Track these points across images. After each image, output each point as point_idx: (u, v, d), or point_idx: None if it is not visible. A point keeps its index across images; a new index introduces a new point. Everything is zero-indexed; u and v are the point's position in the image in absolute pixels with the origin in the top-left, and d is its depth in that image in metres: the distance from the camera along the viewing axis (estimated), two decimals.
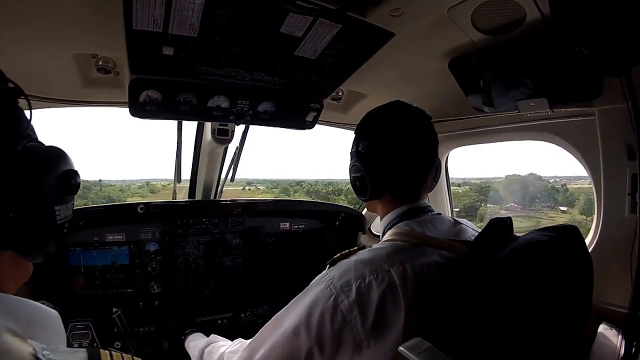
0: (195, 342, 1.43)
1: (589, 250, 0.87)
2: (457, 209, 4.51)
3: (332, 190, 6.27)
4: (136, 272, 1.84)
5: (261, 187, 6.47)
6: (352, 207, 2.49)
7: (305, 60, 1.20)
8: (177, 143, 1.91)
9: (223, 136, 1.70)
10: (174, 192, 2.10)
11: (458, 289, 0.79)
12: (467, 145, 2.05)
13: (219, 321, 1.93)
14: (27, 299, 0.55)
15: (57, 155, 0.57)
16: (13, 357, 0.42)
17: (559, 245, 0.77)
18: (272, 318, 0.96)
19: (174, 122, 1.83)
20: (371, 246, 0.93)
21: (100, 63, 1.25)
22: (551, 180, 4.94)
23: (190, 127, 1.91)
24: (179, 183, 2.09)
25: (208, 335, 1.56)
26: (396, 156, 0.96)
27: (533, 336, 0.71)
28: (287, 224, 2.25)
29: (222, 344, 1.26)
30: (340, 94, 1.71)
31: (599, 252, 1.36)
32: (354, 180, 1.03)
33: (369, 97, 1.69)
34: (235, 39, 1.07)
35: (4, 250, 0.54)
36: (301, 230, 2.29)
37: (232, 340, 1.88)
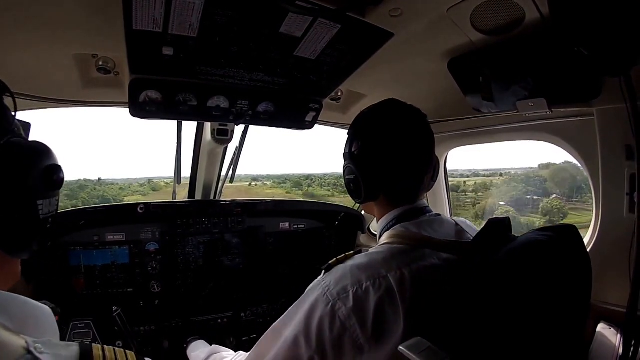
0: (196, 353, 1.42)
1: (588, 250, 0.87)
2: (503, 202, 4.11)
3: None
4: (136, 272, 1.84)
5: (268, 183, 6.36)
6: (351, 206, 2.50)
7: (305, 60, 1.20)
8: (177, 143, 1.92)
9: (223, 136, 1.71)
10: (174, 192, 2.11)
11: (457, 289, 0.79)
12: (466, 145, 2.05)
13: (219, 320, 1.94)
14: (19, 296, 0.55)
15: (40, 151, 0.57)
16: (5, 351, 0.42)
17: (558, 245, 0.77)
18: (270, 329, 0.94)
19: (174, 122, 1.84)
20: (367, 250, 0.91)
21: (100, 63, 1.25)
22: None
23: (190, 127, 1.91)
24: (178, 184, 2.09)
25: (209, 341, 1.57)
26: (390, 156, 0.94)
27: (532, 336, 0.71)
28: (287, 224, 2.26)
29: (225, 355, 1.25)
30: (339, 94, 1.72)
31: (598, 252, 1.37)
32: (347, 183, 1.01)
33: (369, 97, 1.69)
34: (234, 39, 1.07)
35: None
36: (301, 230, 2.30)
37: (231, 340, 1.91)
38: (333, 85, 1.45)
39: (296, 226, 2.29)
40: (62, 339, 1.45)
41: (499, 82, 1.30)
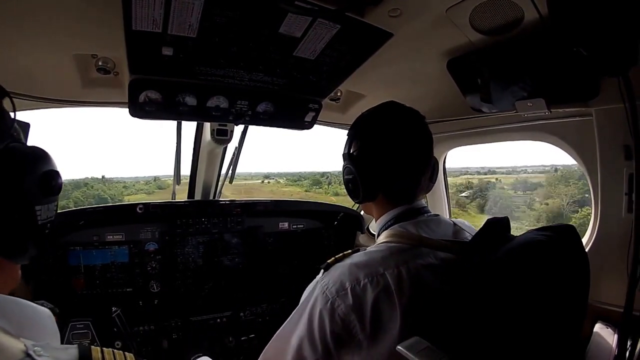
0: None
1: (586, 250, 0.87)
2: (574, 200, 3.53)
3: None
4: (136, 272, 1.84)
5: (281, 180, 6.27)
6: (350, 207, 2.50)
7: (304, 60, 1.20)
8: (177, 143, 1.92)
9: (222, 136, 1.71)
10: (173, 192, 2.11)
11: (456, 289, 0.79)
12: (465, 145, 2.05)
13: (218, 320, 1.94)
14: (18, 299, 0.55)
15: (38, 156, 0.57)
16: (5, 354, 0.43)
17: (556, 244, 0.77)
18: (274, 336, 0.94)
19: (174, 122, 1.83)
20: (365, 249, 0.92)
21: (100, 63, 1.25)
22: None
23: (190, 127, 1.91)
24: (178, 184, 2.09)
25: (209, 341, 1.56)
26: (387, 156, 0.95)
27: (530, 335, 0.72)
28: (286, 224, 2.26)
29: None
30: (339, 94, 1.72)
31: (596, 252, 1.37)
32: (346, 183, 1.02)
33: (368, 98, 1.69)
34: (234, 40, 1.07)
35: None
36: (300, 230, 2.30)
37: (230, 340, 1.91)
38: (332, 86, 1.45)
39: (295, 226, 2.29)
40: (61, 339, 1.45)
41: (498, 82, 1.30)
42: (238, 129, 1.86)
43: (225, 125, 1.70)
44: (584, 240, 1.45)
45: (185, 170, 2.07)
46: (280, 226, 2.24)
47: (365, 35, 1.10)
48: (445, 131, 1.93)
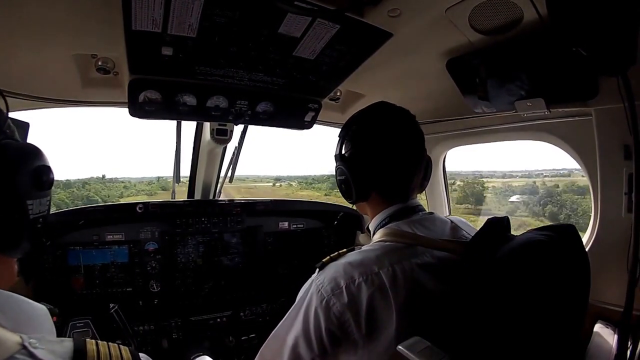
0: None
1: (586, 249, 0.87)
2: None
3: None
4: (135, 271, 1.85)
5: (293, 183, 6.18)
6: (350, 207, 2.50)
7: (304, 60, 1.20)
8: (176, 143, 1.92)
9: (222, 136, 1.71)
10: (173, 191, 2.11)
11: (455, 288, 0.79)
12: (464, 145, 2.05)
13: (218, 320, 1.94)
14: (15, 294, 0.55)
15: (30, 152, 0.58)
16: (1, 346, 0.43)
17: (557, 244, 0.77)
18: (270, 335, 0.95)
19: (174, 122, 1.84)
20: (361, 248, 0.93)
21: (100, 63, 1.25)
22: None
23: (189, 127, 1.92)
24: (178, 183, 2.09)
25: (209, 341, 1.55)
26: (378, 156, 0.95)
27: (531, 335, 0.72)
28: (286, 224, 2.26)
29: None
30: (338, 94, 1.72)
31: (596, 251, 1.37)
32: (339, 183, 1.03)
33: (367, 97, 1.69)
34: (234, 40, 1.07)
35: None
36: (300, 230, 2.30)
37: (230, 340, 1.91)
38: (332, 86, 1.45)
39: (295, 226, 2.29)
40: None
41: (498, 82, 1.30)
42: (238, 129, 1.87)
43: (225, 125, 1.70)
44: (584, 239, 1.45)
45: (185, 170, 2.07)
46: (280, 226, 2.24)
47: (365, 35, 1.10)
48: (445, 131, 1.93)
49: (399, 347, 0.70)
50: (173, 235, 1.92)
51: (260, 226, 2.15)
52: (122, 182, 5.56)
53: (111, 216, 1.84)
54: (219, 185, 2.15)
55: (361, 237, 2.50)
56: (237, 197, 2.20)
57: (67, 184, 4.95)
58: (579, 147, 1.46)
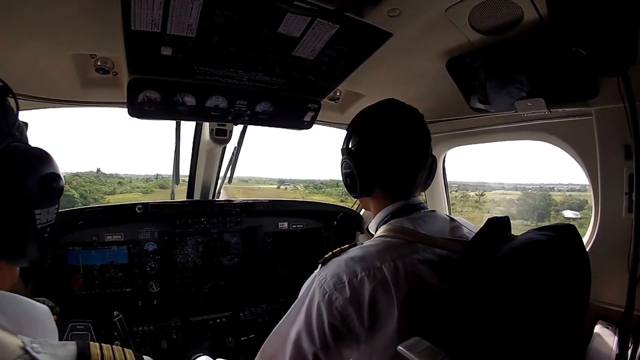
0: None
1: (587, 249, 0.87)
2: None
3: None
4: (135, 272, 1.84)
5: (299, 187, 6.04)
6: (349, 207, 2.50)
7: (303, 60, 1.20)
8: (176, 143, 1.91)
9: (221, 136, 1.71)
10: (172, 192, 2.11)
11: (456, 288, 0.79)
12: (464, 145, 2.05)
13: (218, 320, 1.94)
14: (17, 295, 0.54)
15: (40, 157, 0.56)
16: (2, 351, 0.42)
17: (557, 244, 0.77)
18: (273, 331, 0.95)
19: (173, 122, 1.83)
20: (362, 243, 0.93)
21: (99, 63, 1.25)
22: None
23: (189, 127, 1.91)
24: (177, 184, 2.09)
25: (209, 341, 1.55)
26: (385, 151, 0.96)
27: (531, 335, 0.72)
28: (286, 224, 2.26)
29: None
30: (338, 94, 1.72)
31: (596, 252, 1.37)
32: (345, 177, 1.04)
33: (367, 97, 1.69)
34: (233, 39, 1.07)
35: None
36: (299, 230, 2.30)
37: (230, 340, 1.90)
38: (332, 85, 1.45)
39: (295, 226, 2.29)
40: (60, 338, 1.45)
41: (498, 82, 1.30)
42: (237, 129, 1.86)
43: (224, 125, 1.70)
44: (585, 239, 1.45)
45: (185, 170, 2.07)
46: (279, 226, 2.24)
47: (365, 35, 1.10)
48: (445, 131, 1.93)
49: (399, 347, 0.70)
50: (172, 236, 1.92)
51: (260, 226, 2.14)
52: (118, 177, 5.26)
53: (110, 216, 1.83)
54: (218, 185, 2.14)
55: (361, 238, 2.50)
56: (240, 198, 2.19)
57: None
58: (579, 147, 1.46)
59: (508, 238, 0.82)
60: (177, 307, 1.89)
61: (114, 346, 0.53)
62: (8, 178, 0.51)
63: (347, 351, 0.83)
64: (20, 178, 0.52)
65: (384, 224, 0.98)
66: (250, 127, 1.95)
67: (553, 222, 1.08)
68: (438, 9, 1.02)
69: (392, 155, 0.96)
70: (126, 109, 1.28)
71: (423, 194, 2.26)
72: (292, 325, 0.89)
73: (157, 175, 5.21)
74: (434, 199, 2.26)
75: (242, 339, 1.96)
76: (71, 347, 0.49)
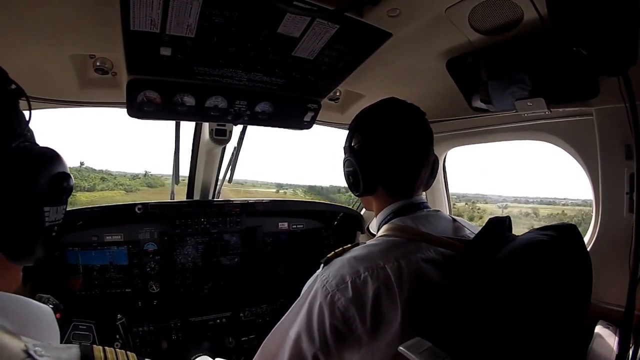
0: None
1: (588, 249, 0.87)
2: None
3: None
4: (135, 272, 1.84)
5: (299, 192, 5.94)
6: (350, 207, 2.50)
7: (303, 60, 1.20)
8: (175, 143, 1.91)
9: (221, 136, 1.71)
10: (172, 192, 2.11)
11: (456, 288, 0.79)
12: (464, 145, 2.05)
13: (218, 320, 1.94)
14: (19, 296, 0.54)
15: (50, 157, 0.57)
16: (5, 354, 0.42)
17: (559, 244, 0.76)
18: (273, 330, 0.94)
19: (173, 122, 1.83)
20: (365, 243, 0.93)
21: (98, 64, 1.25)
22: None
23: (188, 127, 1.91)
24: (177, 184, 2.09)
25: (208, 341, 1.55)
26: (387, 149, 0.96)
27: (532, 335, 0.71)
28: (286, 224, 2.25)
29: None
30: (338, 94, 1.71)
31: (597, 251, 1.37)
32: (347, 175, 1.03)
33: (367, 97, 1.68)
34: (232, 40, 1.07)
35: None
36: (299, 230, 2.30)
37: (230, 340, 1.90)
38: (331, 86, 1.45)
39: (295, 226, 2.29)
40: (63, 337, 1.44)
41: (498, 82, 1.29)
42: (237, 129, 1.86)
43: (224, 125, 1.70)
44: (586, 239, 1.45)
45: (184, 170, 2.06)
46: (279, 226, 2.24)
47: (364, 35, 1.10)
48: (445, 131, 1.93)
49: (400, 347, 0.69)
50: (172, 236, 1.92)
51: (260, 226, 2.14)
52: (103, 173, 4.95)
53: (110, 217, 1.83)
54: (217, 185, 2.14)
55: (361, 238, 2.50)
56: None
57: None
58: (579, 147, 1.46)
59: (509, 238, 0.82)
60: (177, 308, 1.89)
61: (117, 350, 0.53)
62: (19, 176, 0.52)
63: (347, 353, 0.82)
64: (31, 176, 0.53)
65: (386, 222, 0.97)
66: (249, 129, 1.96)
67: None
68: (438, 9, 1.02)
69: (395, 153, 0.96)
70: (125, 109, 1.28)
71: (424, 193, 2.25)
72: (292, 325, 0.88)
73: (146, 172, 5.07)
74: (435, 199, 2.26)
75: (242, 339, 1.96)
76: (74, 350, 0.49)
